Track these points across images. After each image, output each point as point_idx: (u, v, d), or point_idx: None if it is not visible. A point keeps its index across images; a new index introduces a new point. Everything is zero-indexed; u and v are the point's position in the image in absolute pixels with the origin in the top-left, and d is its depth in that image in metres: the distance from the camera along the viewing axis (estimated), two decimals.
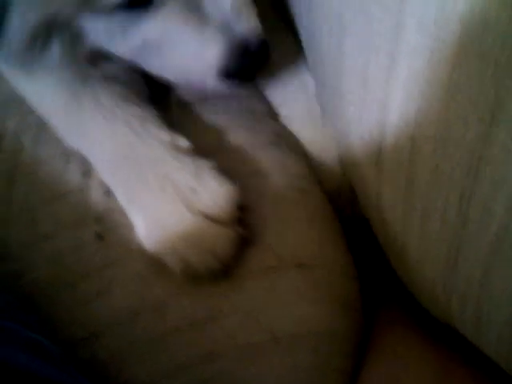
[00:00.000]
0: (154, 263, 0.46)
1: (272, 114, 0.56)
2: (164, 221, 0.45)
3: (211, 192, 0.45)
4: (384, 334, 0.47)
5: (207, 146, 0.50)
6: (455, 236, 0.34)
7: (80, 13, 0.43)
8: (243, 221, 0.46)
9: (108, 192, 0.49)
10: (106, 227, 0.48)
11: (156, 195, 0.46)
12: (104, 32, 0.45)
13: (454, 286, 0.37)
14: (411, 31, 0.32)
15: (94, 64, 0.48)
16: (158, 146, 0.47)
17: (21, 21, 0.42)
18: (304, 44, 0.51)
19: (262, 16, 0.46)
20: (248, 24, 0.45)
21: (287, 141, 0.54)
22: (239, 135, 0.53)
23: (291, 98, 0.55)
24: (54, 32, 0.44)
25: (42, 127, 0.50)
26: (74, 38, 0.45)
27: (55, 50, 0.45)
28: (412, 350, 0.44)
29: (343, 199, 0.53)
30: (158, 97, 0.52)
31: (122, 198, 0.48)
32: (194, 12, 0.44)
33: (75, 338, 0.45)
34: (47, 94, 0.49)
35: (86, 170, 0.49)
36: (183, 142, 0.48)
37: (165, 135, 0.48)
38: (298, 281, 0.46)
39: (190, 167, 0.46)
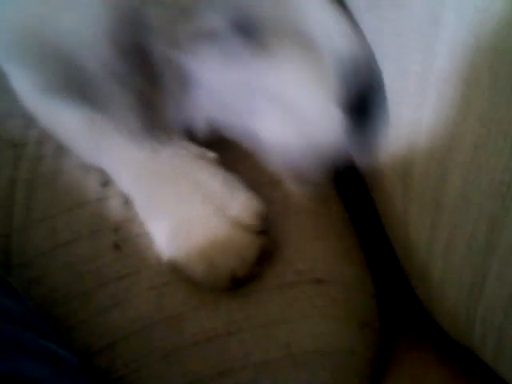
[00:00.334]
0: (173, 274, 0.46)
1: None
2: (190, 225, 0.45)
3: (240, 200, 0.46)
4: (403, 357, 0.47)
5: (222, 157, 0.49)
6: (482, 263, 0.34)
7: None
8: (266, 233, 0.46)
9: (127, 202, 0.49)
10: (124, 237, 0.48)
11: (184, 200, 0.46)
12: (207, 80, 0.44)
13: (477, 313, 0.37)
14: (443, 57, 0.31)
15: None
16: (186, 155, 0.47)
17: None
18: None
19: None
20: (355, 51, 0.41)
21: None
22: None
23: None
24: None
25: None
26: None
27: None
28: (431, 375, 0.44)
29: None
30: None
31: (141, 205, 0.48)
32: (309, 53, 0.42)
33: (92, 348, 0.45)
34: (67, 114, 0.49)
35: (105, 180, 0.50)
36: (211, 154, 0.48)
37: (192, 147, 0.48)
38: (316, 297, 0.46)
39: (219, 176, 0.47)
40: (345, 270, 0.48)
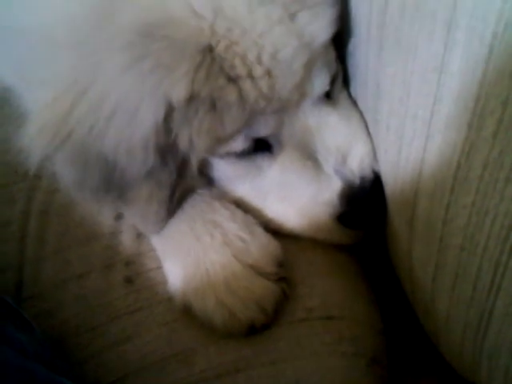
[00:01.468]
0: (183, 310, 0.46)
1: None
2: (208, 268, 0.45)
3: (261, 245, 0.46)
4: None
5: None
6: (487, 303, 0.34)
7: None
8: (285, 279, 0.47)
9: (139, 235, 0.50)
10: (136, 271, 0.49)
11: (203, 241, 0.46)
12: (229, 176, 0.48)
13: (483, 350, 0.37)
14: (449, 104, 0.32)
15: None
16: (203, 194, 0.48)
17: None
18: None
19: None
20: (360, 165, 0.46)
21: None
22: None
23: None
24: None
25: None
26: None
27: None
28: None
29: None
30: None
31: (158, 241, 0.49)
32: (310, 158, 0.46)
33: (102, 382, 0.45)
34: None
35: (119, 213, 0.50)
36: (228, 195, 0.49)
37: (212, 187, 0.48)
38: (325, 333, 0.46)
39: (239, 218, 0.47)
40: (354, 307, 0.49)
